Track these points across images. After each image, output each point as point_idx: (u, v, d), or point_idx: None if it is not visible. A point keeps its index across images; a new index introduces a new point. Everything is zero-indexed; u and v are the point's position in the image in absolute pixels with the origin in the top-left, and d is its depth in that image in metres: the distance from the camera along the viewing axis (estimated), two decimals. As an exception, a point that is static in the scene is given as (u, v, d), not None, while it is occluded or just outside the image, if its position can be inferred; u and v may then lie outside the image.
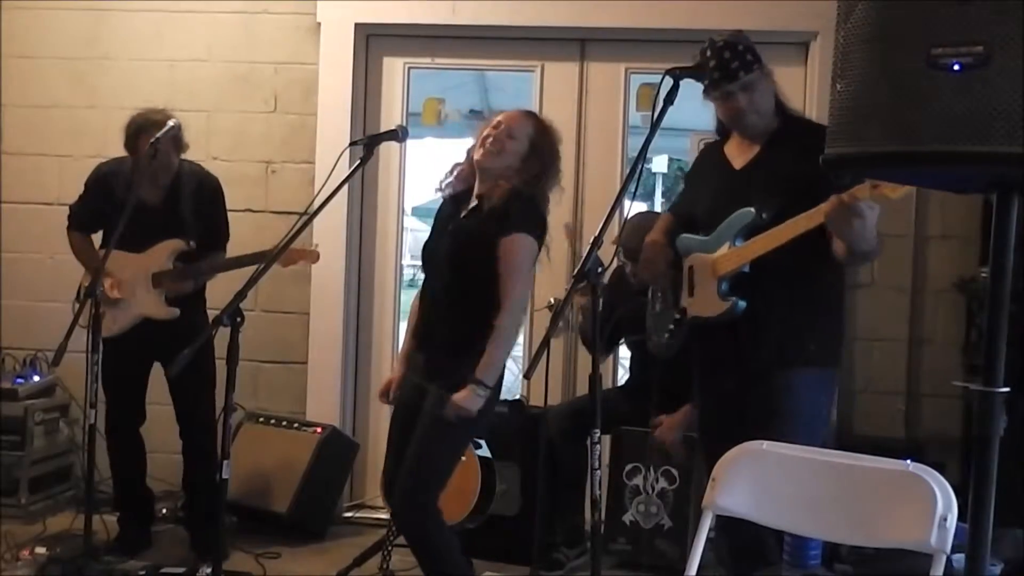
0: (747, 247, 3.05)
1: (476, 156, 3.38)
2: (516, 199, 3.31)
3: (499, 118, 3.41)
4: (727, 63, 3.06)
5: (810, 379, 3.09)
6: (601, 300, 3.98)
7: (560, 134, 3.50)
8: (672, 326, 3.25)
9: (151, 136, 4.03)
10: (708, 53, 3.09)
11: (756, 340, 3.07)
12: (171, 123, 4.02)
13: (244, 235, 4.63)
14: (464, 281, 3.34)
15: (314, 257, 4.11)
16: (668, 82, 2.73)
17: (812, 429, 3.02)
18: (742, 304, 3.05)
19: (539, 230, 3.35)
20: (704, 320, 3.17)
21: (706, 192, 3.33)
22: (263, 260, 4.05)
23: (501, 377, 3.40)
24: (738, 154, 3.23)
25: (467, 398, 3.21)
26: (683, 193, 3.57)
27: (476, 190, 3.42)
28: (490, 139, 3.36)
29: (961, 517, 2.00)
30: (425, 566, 3.39)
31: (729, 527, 3.05)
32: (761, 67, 3.11)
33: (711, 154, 3.36)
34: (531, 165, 3.35)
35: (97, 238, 4.41)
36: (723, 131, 3.32)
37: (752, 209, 3.06)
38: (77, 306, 3.94)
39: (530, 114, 3.50)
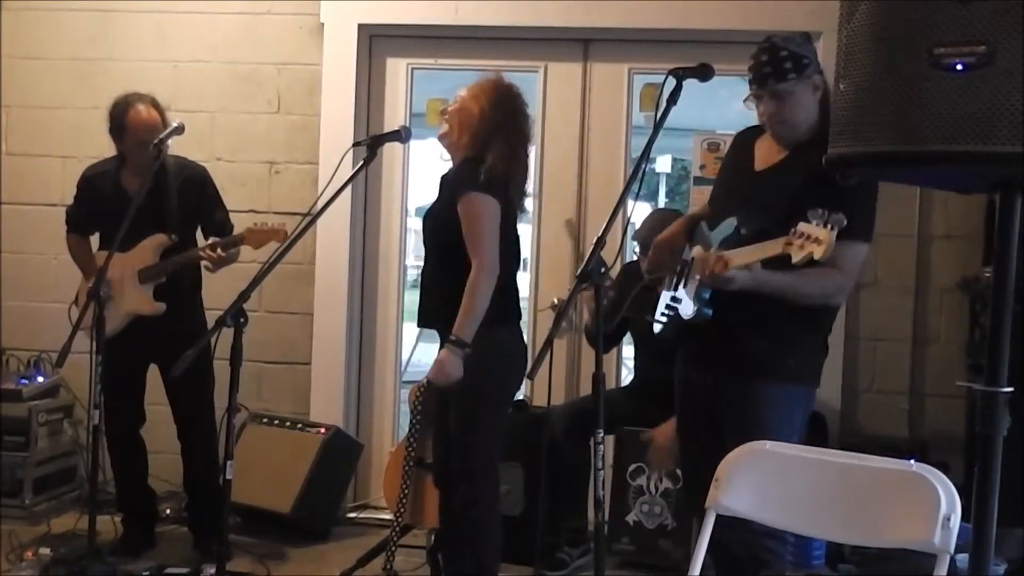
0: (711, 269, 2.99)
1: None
2: (461, 165, 3.41)
3: (459, 93, 3.49)
4: (761, 66, 2.99)
5: (786, 394, 3.05)
6: (611, 293, 4.01)
7: (520, 93, 3.51)
8: (668, 311, 3.23)
9: (139, 112, 4.05)
10: (757, 50, 3.03)
11: (735, 349, 3.05)
12: (175, 123, 4.02)
13: (248, 235, 4.63)
14: (437, 259, 3.47)
15: (281, 236, 4.01)
16: (671, 82, 2.73)
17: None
18: (708, 312, 3.01)
19: (487, 186, 3.34)
20: (681, 318, 3.14)
21: (726, 184, 3.29)
22: (237, 244, 4.10)
23: (516, 358, 3.48)
24: (765, 153, 3.16)
25: (444, 358, 3.28)
26: (716, 178, 3.52)
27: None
28: (445, 117, 3.48)
29: (965, 517, 1.99)
30: (462, 550, 3.44)
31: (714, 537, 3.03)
32: (800, 79, 2.98)
33: (743, 145, 3.27)
34: (480, 132, 3.39)
35: (95, 240, 4.43)
36: None
37: (734, 220, 3.03)
38: (76, 310, 3.94)
39: (485, 85, 3.46)
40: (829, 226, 2.63)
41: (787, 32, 3.10)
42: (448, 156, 3.55)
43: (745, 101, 3.11)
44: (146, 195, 4.03)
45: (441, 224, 3.45)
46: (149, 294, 4.19)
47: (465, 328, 3.28)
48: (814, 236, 2.65)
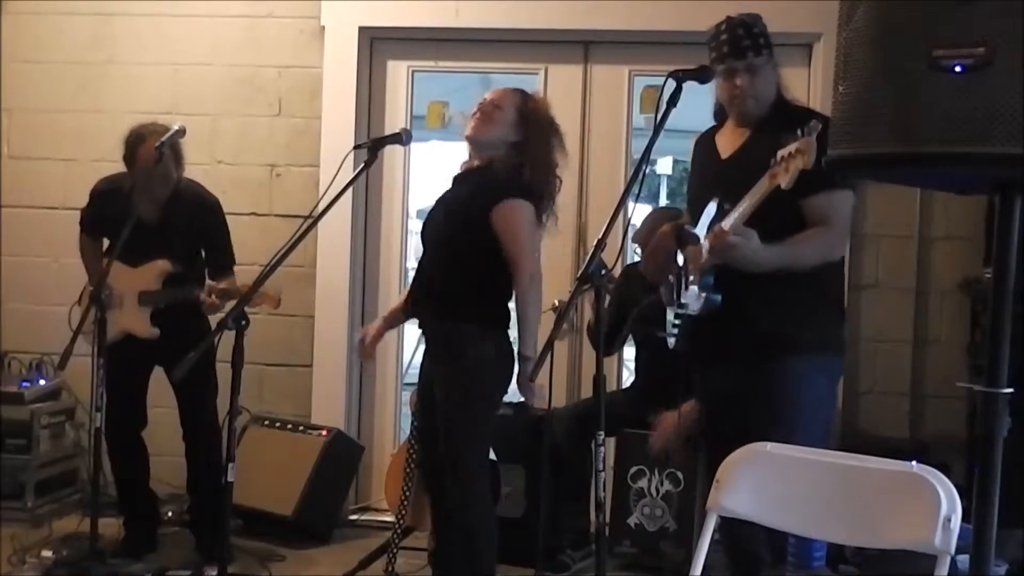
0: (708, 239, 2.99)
1: (467, 131, 3.46)
2: (502, 167, 3.40)
3: (486, 95, 3.49)
4: (738, 39, 3.04)
5: (807, 365, 3.02)
6: (609, 297, 4.00)
7: (550, 105, 3.54)
8: (677, 320, 3.23)
9: (150, 148, 4.07)
10: (723, 27, 3.08)
11: (747, 330, 3.02)
12: (176, 127, 4.04)
13: (249, 239, 4.64)
14: (455, 253, 3.41)
15: (274, 302, 4.03)
16: (671, 84, 2.73)
17: (815, 417, 2.99)
18: (717, 298, 2.99)
19: (529, 195, 3.40)
20: (691, 315, 3.12)
21: (698, 183, 3.31)
22: (230, 296, 4.07)
23: (511, 362, 3.45)
24: (727, 143, 3.20)
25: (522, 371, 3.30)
26: (688, 184, 3.56)
27: (466, 164, 3.52)
28: (477, 113, 3.44)
29: (965, 518, 2.00)
30: (458, 555, 3.41)
31: (724, 529, 3.03)
32: (771, 54, 3.09)
33: (704, 144, 3.32)
34: (521, 134, 3.42)
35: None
36: (720, 116, 3.29)
37: (716, 200, 3.03)
38: (78, 310, 3.95)
39: (517, 89, 3.55)
40: (805, 134, 2.63)
41: (791, 32, 3.15)
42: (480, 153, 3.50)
43: (713, 73, 3.11)
44: (158, 216, 4.13)
45: (471, 222, 3.40)
46: (146, 317, 4.21)
47: (528, 343, 3.33)
48: (794, 151, 2.66)
